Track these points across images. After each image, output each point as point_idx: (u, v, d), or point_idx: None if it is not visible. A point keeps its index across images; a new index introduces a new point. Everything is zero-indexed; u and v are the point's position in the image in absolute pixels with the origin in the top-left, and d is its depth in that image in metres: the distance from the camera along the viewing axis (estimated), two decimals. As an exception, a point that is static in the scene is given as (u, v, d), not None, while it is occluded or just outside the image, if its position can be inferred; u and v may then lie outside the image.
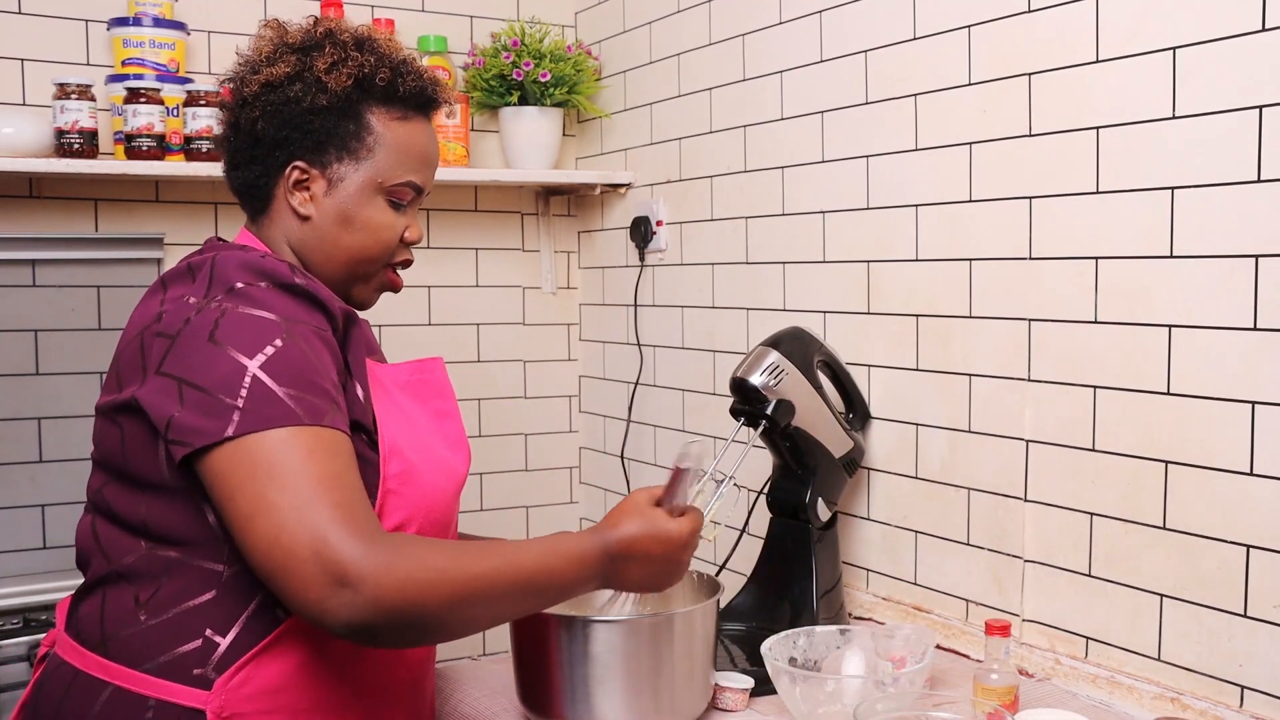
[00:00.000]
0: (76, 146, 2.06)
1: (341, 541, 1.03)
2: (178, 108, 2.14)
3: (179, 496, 1.14)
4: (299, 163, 1.26)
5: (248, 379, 1.08)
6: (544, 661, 1.33)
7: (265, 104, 1.26)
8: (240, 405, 1.07)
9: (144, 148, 2.10)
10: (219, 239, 1.32)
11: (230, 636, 1.16)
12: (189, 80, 2.19)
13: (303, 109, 1.25)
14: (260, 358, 1.10)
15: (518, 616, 1.20)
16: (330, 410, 1.11)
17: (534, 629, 1.34)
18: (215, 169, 2.12)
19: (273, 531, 1.04)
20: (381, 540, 1.05)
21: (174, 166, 2.13)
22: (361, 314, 1.31)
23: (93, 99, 2.08)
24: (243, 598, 1.16)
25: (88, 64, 2.22)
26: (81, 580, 1.26)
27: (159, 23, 2.17)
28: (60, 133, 2.06)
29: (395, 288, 1.36)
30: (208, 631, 1.15)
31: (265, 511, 1.05)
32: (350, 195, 1.27)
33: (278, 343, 1.11)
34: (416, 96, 1.30)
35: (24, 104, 2.17)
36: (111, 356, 1.22)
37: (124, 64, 2.16)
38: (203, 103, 2.14)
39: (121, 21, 2.17)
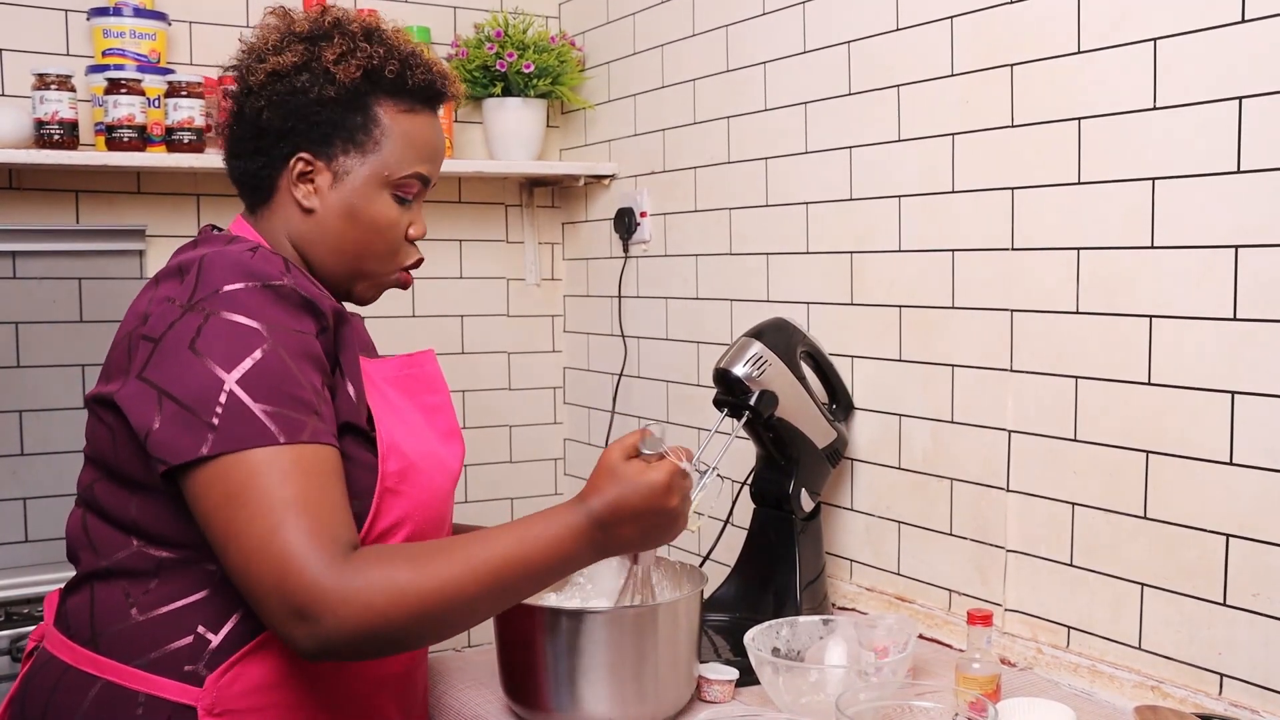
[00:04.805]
0: (56, 137, 2.04)
1: (302, 573, 1.02)
2: (159, 99, 2.12)
3: (169, 499, 1.13)
4: (304, 154, 1.23)
5: (224, 395, 1.07)
6: (528, 654, 1.33)
7: (271, 93, 1.23)
8: (215, 423, 1.06)
9: (125, 139, 2.08)
10: (214, 228, 1.30)
11: (222, 634, 1.15)
12: (170, 71, 2.17)
13: (309, 100, 1.22)
14: (238, 371, 1.08)
15: (504, 609, 1.18)
16: (310, 423, 1.09)
17: (518, 621, 1.33)
18: (197, 160, 2.14)
19: (241, 560, 1.05)
20: (346, 565, 1.04)
21: (155, 158, 2.11)
22: (353, 308, 1.29)
23: (73, 89, 2.07)
24: (235, 596, 1.14)
25: (67, 54, 2.20)
26: (69, 574, 1.25)
27: (139, 13, 2.16)
28: (40, 123, 2.05)
29: (405, 285, 1.33)
30: (199, 628, 1.15)
31: (234, 539, 1.05)
32: (356, 189, 1.24)
33: (258, 354, 1.09)
34: (425, 89, 1.28)
35: (3, 94, 2.15)
36: (93, 348, 1.20)
37: (104, 54, 2.14)
38: (184, 94, 2.13)
39: (101, 11, 2.15)
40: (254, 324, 1.11)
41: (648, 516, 1.16)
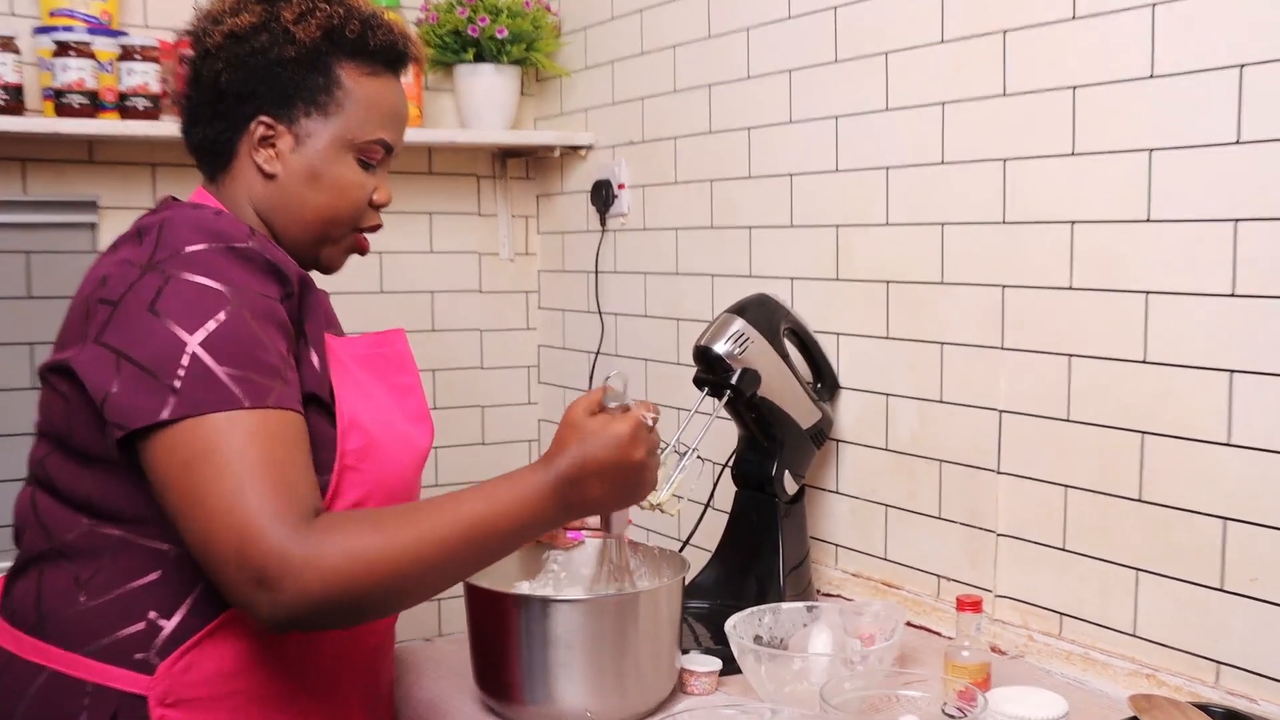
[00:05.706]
0: (0, 103, 1.98)
1: (264, 538, 1.01)
2: (111, 63, 2.07)
3: (124, 471, 1.11)
4: (265, 117, 1.22)
5: (186, 357, 1.06)
6: (502, 644, 1.31)
7: (229, 56, 1.22)
8: (177, 387, 1.05)
9: (75, 105, 2.03)
10: (174, 199, 1.28)
11: (175, 619, 1.13)
12: (123, 34, 2.11)
13: (269, 60, 1.21)
14: (201, 333, 1.07)
15: (474, 573, 1.17)
16: (276, 387, 1.08)
17: (491, 609, 1.31)
18: (152, 128, 2.08)
19: (201, 527, 1.04)
20: (310, 531, 1.03)
21: (108, 125, 2.06)
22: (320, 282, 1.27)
23: (17, 51, 2.01)
24: (189, 579, 1.13)
25: (12, 14, 2.13)
26: (15, 559, 1.22)
27: (90, -29, 2.08)
28: (-18, 88, 1.97)
29: (363, 250, 1.33)
30: (151, 614, 1.13)
31: (195, 505, 1.04)
32: (319, 152, 1.24)
33: (221, 316, 1.08)
34: (387, 51, 1.27)
35: (-55, 57, 2.08)
36: (43, 325, 1.17)
37: (51, 14, 2.08)
38: (139, 58, 2.07)
39: (49, -31, 2.07)
40: (217, 285, 1.10)
41: (615, 470, 1.14)
